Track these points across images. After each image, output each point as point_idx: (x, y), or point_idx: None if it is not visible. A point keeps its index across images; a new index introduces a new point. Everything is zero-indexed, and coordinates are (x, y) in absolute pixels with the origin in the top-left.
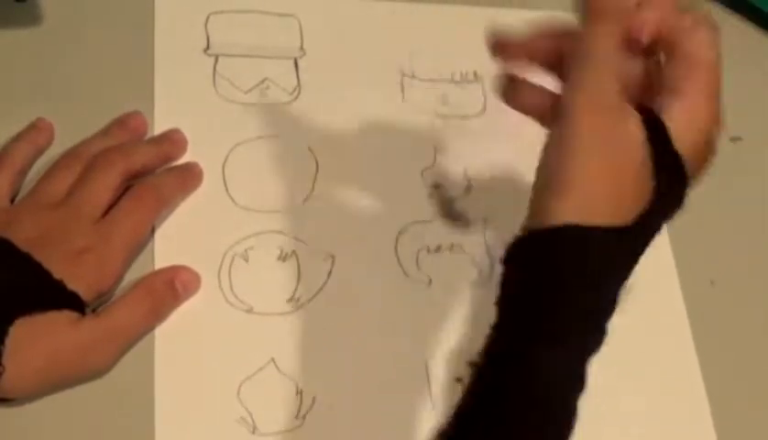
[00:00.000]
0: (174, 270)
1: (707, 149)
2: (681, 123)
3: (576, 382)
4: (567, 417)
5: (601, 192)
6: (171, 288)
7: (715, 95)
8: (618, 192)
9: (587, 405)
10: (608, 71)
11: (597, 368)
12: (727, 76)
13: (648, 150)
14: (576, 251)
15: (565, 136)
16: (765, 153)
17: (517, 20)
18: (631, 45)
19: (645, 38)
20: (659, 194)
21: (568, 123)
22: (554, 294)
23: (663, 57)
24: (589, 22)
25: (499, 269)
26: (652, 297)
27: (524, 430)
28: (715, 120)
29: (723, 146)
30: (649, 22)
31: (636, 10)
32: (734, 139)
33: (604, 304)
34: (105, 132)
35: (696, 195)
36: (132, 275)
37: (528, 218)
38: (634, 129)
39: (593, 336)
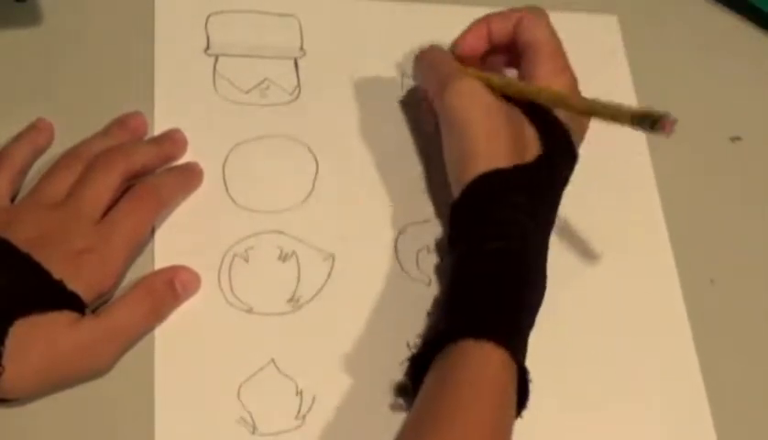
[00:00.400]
0: (174, 270)
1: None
2: None
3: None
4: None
5: (501, 153)
6: (171, 288)
7: (557, 68)
8: (511, 152)
9: (587, 405)
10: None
11: (598, 368)
12: (727, 76)
13: (526, 120)
14: (497, 182)
15: (463, 125)
16: (765, 153)
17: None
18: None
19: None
20: (545, 145)
21: (464, 119)
22: (484, 218)
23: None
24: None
25: None
26: (652, 297)
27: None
28: (568, 85)
29: (723, 146)
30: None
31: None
32: (734, 139)
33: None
34: (106, 132)
35: (696, 195)
36: (132, 275)
37: (456, 184)
38: (509, 109)
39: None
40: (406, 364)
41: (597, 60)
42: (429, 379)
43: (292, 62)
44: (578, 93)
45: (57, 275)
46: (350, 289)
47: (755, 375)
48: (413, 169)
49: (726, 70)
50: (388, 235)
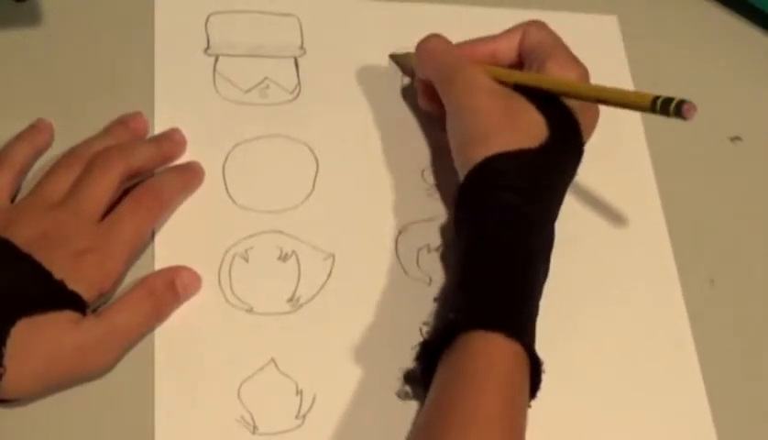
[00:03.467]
0: (175, 271)
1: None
2: None
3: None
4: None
5: (507, 138)
6: (172, 288)
7: (570, 61)
8: (518, 137)
9: (587, 404)
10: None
11: (598, 368)
12: (727, 76)
13: (534, 108)
14: (501, 166)
15: (469, 111)
16: (765, 153)
17: (510, 19)
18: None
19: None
20: (552, 132)
21: (470, 106)
22: (490, 203)
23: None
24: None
25: None
26: (652, 297)
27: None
28: (581, 77)
29: (723, 146)
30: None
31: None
32: (734, 139)
33: (536, 212)
34: (106, 132)
35: (697, 194)
36: (132, 275)
37: (462, 169)
38: (517, 97)
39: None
40: (416, 349)
41: (597, 60)
42: (441, 371)
43: (292, 62)
44: (589, 82)
45: (58, 275)
46: (350, 289)
47: (755, 375)
48: (414, 168)
49: (726, 70)
50: (388, 234)
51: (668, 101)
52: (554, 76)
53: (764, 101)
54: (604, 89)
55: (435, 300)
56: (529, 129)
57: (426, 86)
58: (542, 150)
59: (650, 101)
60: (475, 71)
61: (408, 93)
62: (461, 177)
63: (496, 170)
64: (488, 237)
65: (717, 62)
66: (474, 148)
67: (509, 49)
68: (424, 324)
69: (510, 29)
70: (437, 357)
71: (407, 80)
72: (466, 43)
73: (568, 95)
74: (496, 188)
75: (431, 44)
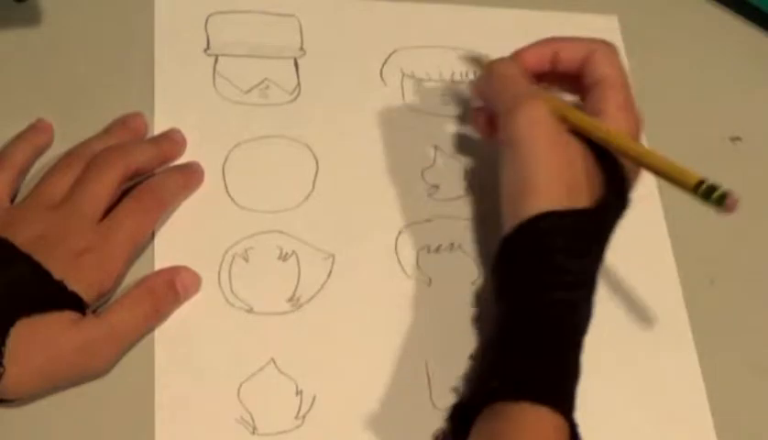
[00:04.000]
0: (175, 271)
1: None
2: None
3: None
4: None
5: (562, 192)
6: (172, 288)
7: (626, 105)
8: (573, 192)
9: (587, 404)
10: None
11: (597, 368)
12: (727, 76)
13: (591, 159)
14: (559, 225)
15: (527, 155)
16: (765, 153)
17: (510, 19)
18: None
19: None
20: (608, 188)
21: (529, 149)
22: (546, 265)
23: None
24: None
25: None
26: (653, 297)
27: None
28: (634, 125)
29: (723, 146)
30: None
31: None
32: (734, 139)
33: (587, 272)
34: (106, 132)
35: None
36: (132, 275)
37: (507, 223)
38: (576, 146)
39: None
40: (449, 410)
41: None
42: (478, 436)
43: (292, 62)
44: (639, 136)
45: (58, 275)
46: (350, 289)
47: (755, 375)
48: (414, 168)
49: (726, 70)
50: (388, 234)
51: (712, 189)
52: (614, 133)
53: (764, 101)
54: (655, 157)
55: (471, 358)
56: (587, 186)
57: (482, 112)
58: (599, 211)
59: (694, 183)
60: (538, 105)
61: (408, 94)
62: (506, 225)
63: (552, 229)
64: (536, 301)
65: (717, 62)
66: (528, 199)
67: (573, 61)
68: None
69: (581, 41)
70: (471, 421)
71: (407, 80)
72: (531, 46)
73: (621, 154)
74: (548, 249)
75: (500, 67)
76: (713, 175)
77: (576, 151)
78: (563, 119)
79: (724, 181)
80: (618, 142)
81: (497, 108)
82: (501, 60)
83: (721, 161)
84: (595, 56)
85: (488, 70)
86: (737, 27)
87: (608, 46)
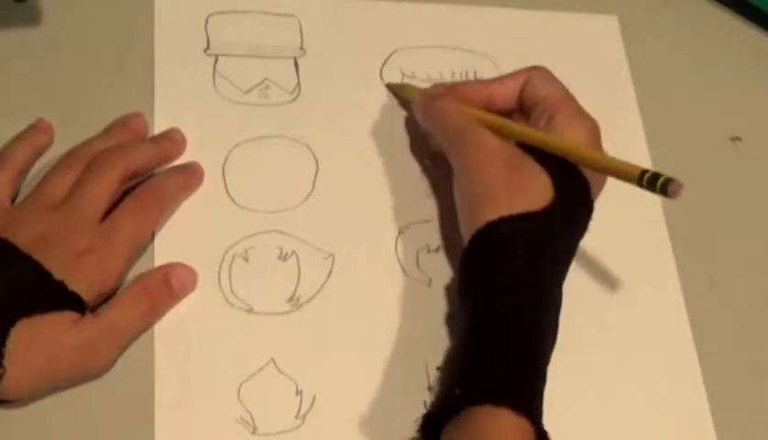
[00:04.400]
0: (170, 267)
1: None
2: None
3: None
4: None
5: (513, 200)
6: (167, 285)
7: (576, 114)
8: (523, 197)
9: (587, 404)
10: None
11: (597, 368)
12: (727, 76)
13: (538, 166)
14: (505, 230)
15: (479, 171)
16: (765, 153)
17: (510, 19)
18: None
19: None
20: (556, 191)
21: (480, 165)
22: (497, 269)
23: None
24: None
25: None
26: (653, 297)
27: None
28: (589, 132)
29: (723, 146)
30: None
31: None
32: (734, 139)
33: (543, 275)
34: (106, 132)
35: (697, 194)
36: (132, 275)
37: (466, 232)
38: (525, 156)
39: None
40: (419, 421)
41: (597, 60)
42: None
43: (292, 62)
44: (598, 140)
45: (58, 275)
46: (350, 289)
47: (755, 375)
48: (414, 168)
49: (726, 70)
50: (388, 235)
51: (655, 177)
52: (557, 140)
53: (764, 101)
54: (596, 155)
55: (438, 369)
56: (533, 191)
57: (430, 138)
58: (547, 212)
59: (637, 174)
60: (482, 132)
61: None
62: (464, 239)
63: (500, 234)
64: (495, 307)
65: (717, 62)
66: (477, 211)
67: (507, 97)
68: (429, 388)
69: (512, 75)
70: (439, 430)
71: (407, 79)
72: (461, 84)
73: (564, 156)
74: (500, 254)
75: (437, 105)
76: (713, 175)
77: (522, 160)
78: (506, 134)
79: (724, 181)
80: (557, 145)
81: (442, 141)
82: (434, 94)
83: (721, 161)
84: (531, 82)
85: (425, 107)
86: (737, 27)
87: (540, 69)
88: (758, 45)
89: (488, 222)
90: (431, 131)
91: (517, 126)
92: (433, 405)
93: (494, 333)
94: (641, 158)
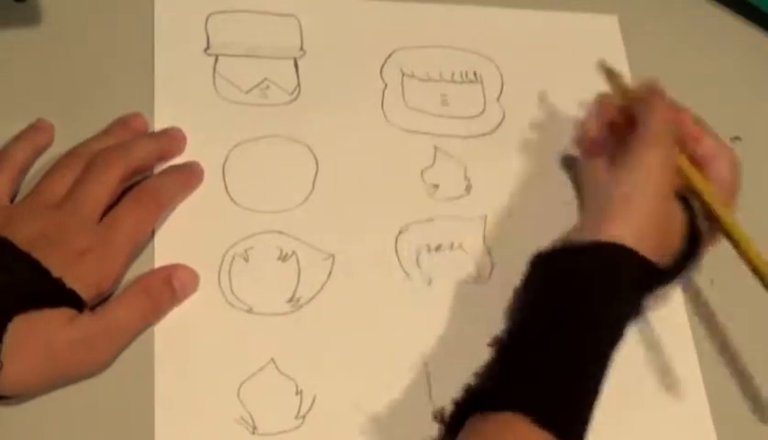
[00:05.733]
0: (172, 268)
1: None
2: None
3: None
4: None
5: (652, 241)
6: (169, 286)
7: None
8: (659, 244)
9: None
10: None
11: None
12: (727, 76)
13: (685, 225)
14: (621, 265)
15: (646, 194)
16: (765, 153)
17: (510, 19)
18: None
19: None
20: (687, 255)
21: (651, 192)
22: (602, 286)
23: None
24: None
25: (499, 268)
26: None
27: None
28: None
29: None
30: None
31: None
32: (734, 139)
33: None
34: (106, 132)
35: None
36: (132, 275)
37: (578, 229)
38: (678, 209)
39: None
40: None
41: (597, 59)
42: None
43: (292, 62)
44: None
45: (56, 273)
46: (350, 289)
47: (755, 375)
48: (414, 168)
49: (726, 70)
50: (388, 235)
51: None
52: (709, 192)
53: (764, 101)
54: (743, 238)
55: (489, 345)
56: (668, 249)
57: (599, 126)
58: (662, 274)
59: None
60: (680, 158)
61: (408, 94)
62: (576, 230)
63: (616, 260)
64: (556, 320)
65: (717, 62)
66: (612, 224)
67: (705, 157)
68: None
69: (721, 146)
70: (464, 419)
71: (406, 79)
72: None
73: (713, 220)
74: (605, 276)
75: (667, 113)
76: None
77: (679, 219)
78: (681, 176)
79: None
80: (717, 211)
81: (641, 127)
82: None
83: None
84: (722, 165)
85: (652, 95)
86: (737, 28)
87: (734, 156)
88: (758, 45)
89: (618, 242)
90: (644, 121)
91: (704, 183)
92: (459, 396)
93: (558, 350)
94: None
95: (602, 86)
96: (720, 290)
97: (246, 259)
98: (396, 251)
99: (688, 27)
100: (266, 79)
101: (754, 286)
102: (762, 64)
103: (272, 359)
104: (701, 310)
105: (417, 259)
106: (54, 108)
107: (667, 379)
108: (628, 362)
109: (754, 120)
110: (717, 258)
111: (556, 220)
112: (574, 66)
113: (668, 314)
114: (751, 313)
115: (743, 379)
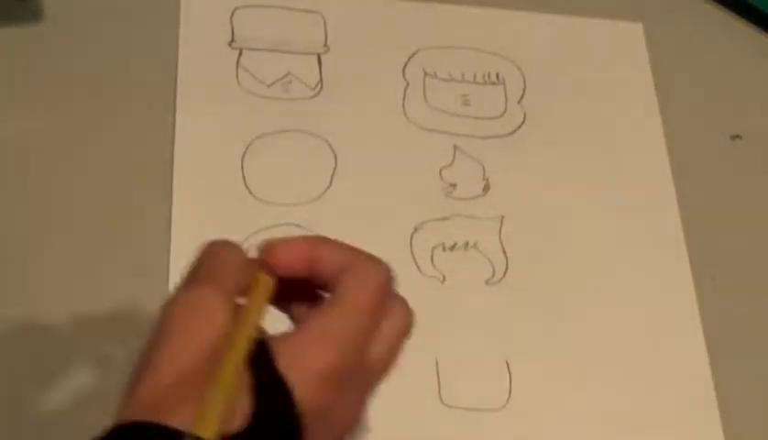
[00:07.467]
0: None
1: (326, 391)
2: (287, 354)
3: None
4: None
5: (180, 395)
6: None
7: (336, 342)
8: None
9: (596, 398)
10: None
11: (602, 368)
12: (727, 76)
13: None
14: None
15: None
16: (765, 153)
17: (533, 23)
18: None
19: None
20: (258, 413)
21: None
22: None
23: None
24: None
25: (513, 270)
26: (660, 295)
27: None
28: (330, 368)
29: (723, 145)
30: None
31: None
32: (734, 137)
33: None
34: None
35: (697, 192)
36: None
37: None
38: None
39: None
40: None
41: (620, 66)
42: None
43: (316, 58)
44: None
45: None
46: None
47: (758, 372)
48: (432, 166)
49: (726, 70)
50: (403, 231)
51: None
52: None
53: (764, 101)
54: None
55: None
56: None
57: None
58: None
59: None
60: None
61: (429, 93)
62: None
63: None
64: None
65: (717, 62)
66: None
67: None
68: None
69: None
70: None
71: (429, 79)
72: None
73: None
74: None
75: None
76: (713, 173)
77: None
78: None
79: (724, 180)
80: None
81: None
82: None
83: (721, 160)
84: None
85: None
86: (737, 28)
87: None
88: (758, 45)
89: (133, 421)
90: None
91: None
92: None
93: None
94: (661, 164)
95: (623, 92)
96: (721, 287)
97: None
98: (411, 248)
99: (688, 28)
100: (289, 73)
101: (755, 283)
102: (762, 64)
103: None
104: (702, 307)
105: (431, 257)
106: (54, 108)
107: (675, 375)
108: (635, 359)
109: (754, 120)
110: (717, 256)
111: (572, 224)
112: (597, 72)
113: (679, 310)
114: (752, 310)
115: (746, 375)
